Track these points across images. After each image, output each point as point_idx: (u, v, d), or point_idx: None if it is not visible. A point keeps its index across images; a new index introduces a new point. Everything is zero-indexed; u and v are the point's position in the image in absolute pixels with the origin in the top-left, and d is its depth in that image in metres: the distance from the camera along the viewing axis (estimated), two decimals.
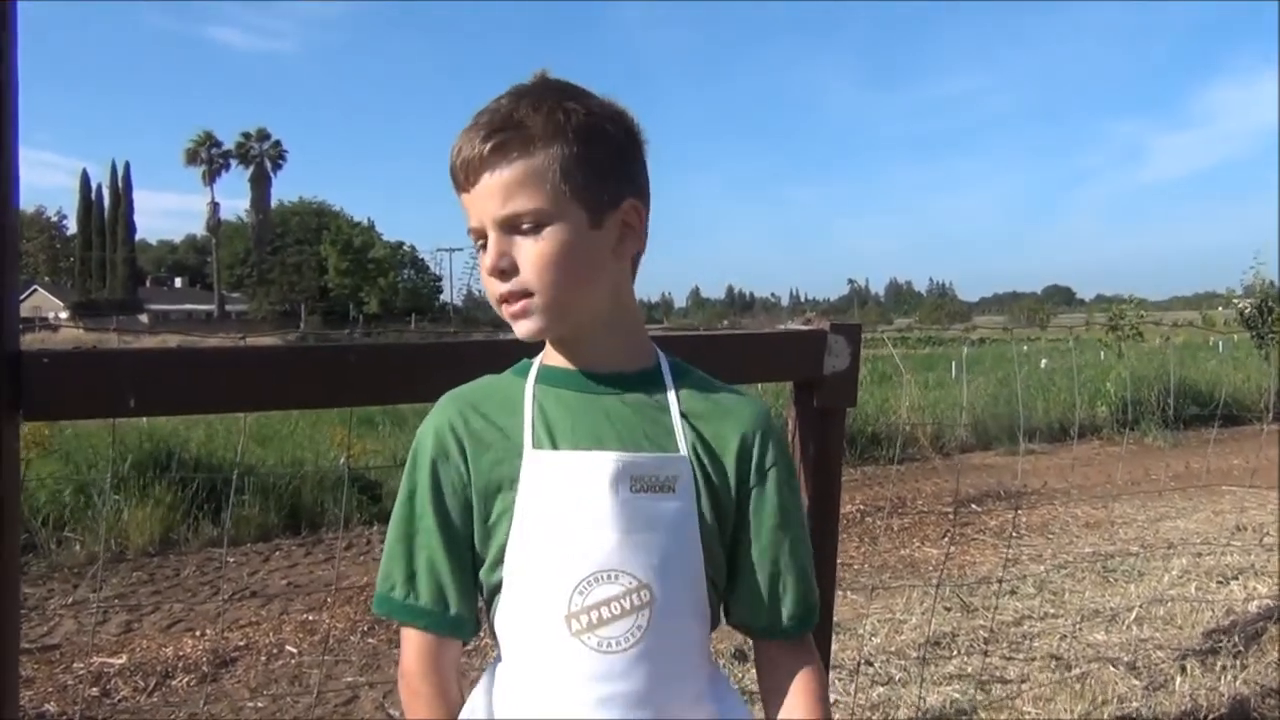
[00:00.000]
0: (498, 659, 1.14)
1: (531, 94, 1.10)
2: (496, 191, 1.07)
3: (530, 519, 1.07)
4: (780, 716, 1.14)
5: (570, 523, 1.06)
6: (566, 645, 1.05)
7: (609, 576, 1.06)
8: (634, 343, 1.18)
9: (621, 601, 1.05)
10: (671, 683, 1.08)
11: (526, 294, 1.08)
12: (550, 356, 1.17)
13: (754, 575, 1.16)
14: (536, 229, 1.07)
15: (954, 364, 15.44)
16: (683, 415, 1.14)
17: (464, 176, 1.09)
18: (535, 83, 1.12)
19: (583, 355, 1.15)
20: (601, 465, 1.08)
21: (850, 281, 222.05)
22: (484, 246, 1.10)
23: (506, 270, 1.08)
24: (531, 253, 1.07)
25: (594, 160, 1.09)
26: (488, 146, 1.06)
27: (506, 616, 1.10)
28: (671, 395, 1.16)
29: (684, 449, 1.12)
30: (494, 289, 1.10)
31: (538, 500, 1.07)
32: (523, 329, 1.11)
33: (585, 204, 1.09)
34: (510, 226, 1.07)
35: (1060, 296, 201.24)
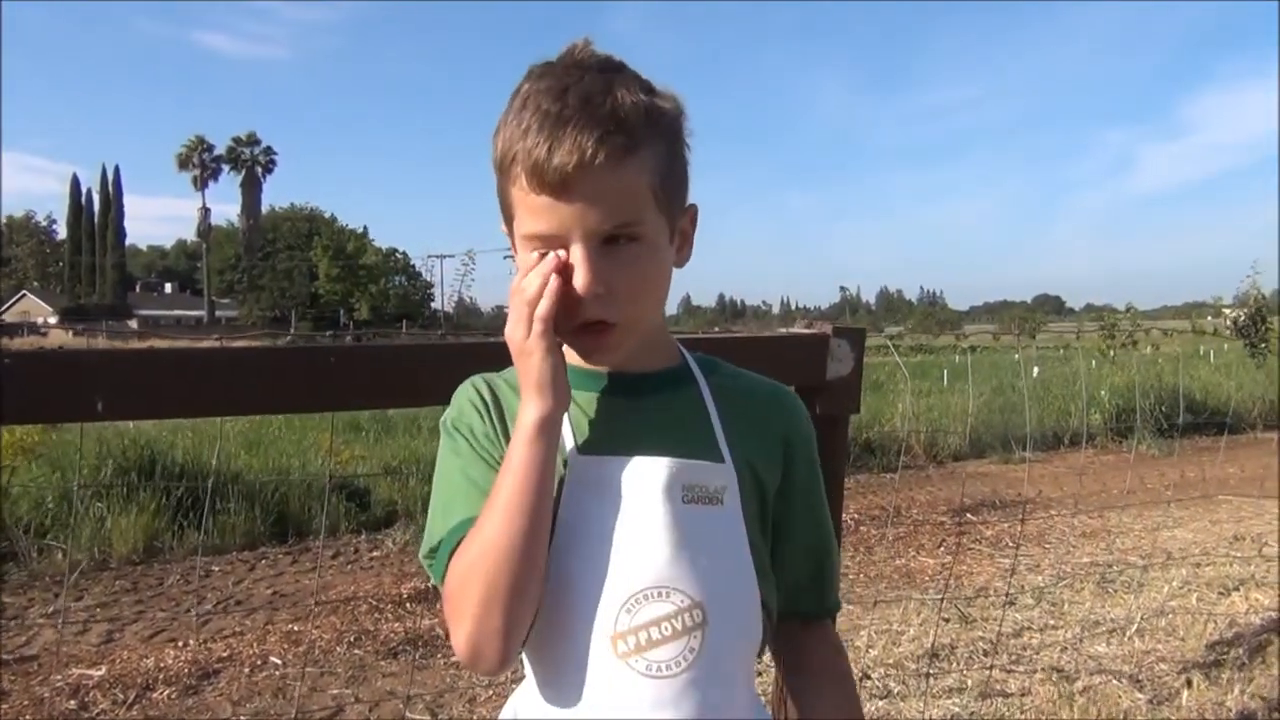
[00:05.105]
0: (523, 682, 1.04)
1: (617, 80, 0.95)
2: (601, 200, 0.92)
3: (573, 528, 0.96)
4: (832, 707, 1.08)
5: (618, 534, 0.96)
6: (611, 668, 0.94)
7: (660, 594, 0.95)
8: (661, 341, 1.09)
9: (673, 622, 0.95)
10: (720, 713, 0.97)
11: (608, 322, 0.96)
12: (569, 356, 1.05)
13: (802, 558, 1.10)
14: (629, 244, 0.95)
15: (945, 372, 15.41)
16: (721, 419, 1.05)
17: (557, 179, 0.91)
18: (603, 62, 0.97)
19: None
20: (653, 472, 0.97)
21: (842, 289, 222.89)
22: (543, 254, 0.95)
23: (603, 294, 0.94)
24: (626, 275, 0.95)
25: (677, 165, 0.99)
26: (599, 149, 0.90)
27: (541, 633, 0.97)
28: (708, 397, 1.06)
29: (728, 456, 1.02)
30: (576, 312, 0.95)
31: (582, 507, 0.97)
32: (601, 361, 1.02)
33: (667, 214, 0.99)
34: (607, 241, 0.94)
35: (1050, 305, 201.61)
